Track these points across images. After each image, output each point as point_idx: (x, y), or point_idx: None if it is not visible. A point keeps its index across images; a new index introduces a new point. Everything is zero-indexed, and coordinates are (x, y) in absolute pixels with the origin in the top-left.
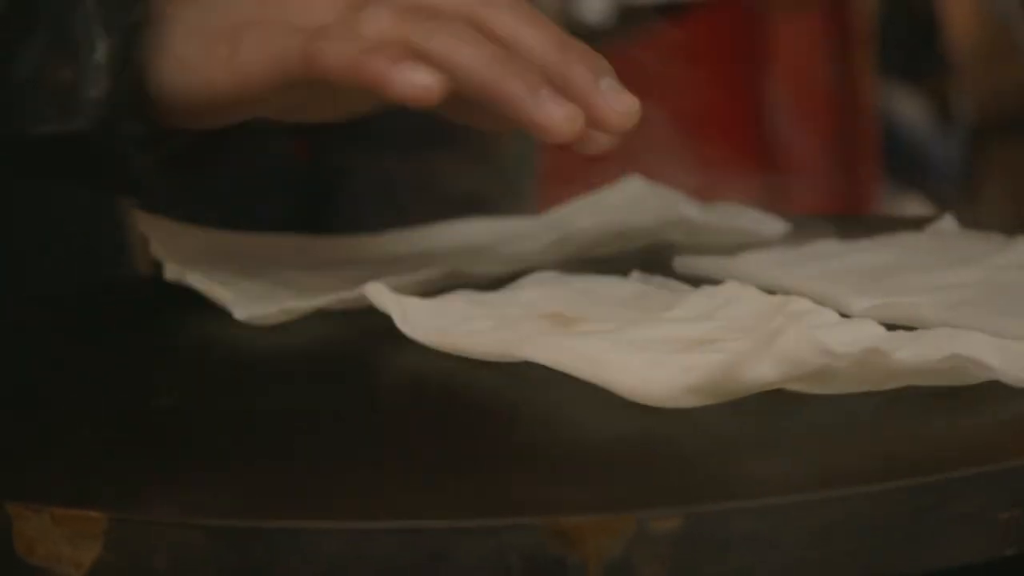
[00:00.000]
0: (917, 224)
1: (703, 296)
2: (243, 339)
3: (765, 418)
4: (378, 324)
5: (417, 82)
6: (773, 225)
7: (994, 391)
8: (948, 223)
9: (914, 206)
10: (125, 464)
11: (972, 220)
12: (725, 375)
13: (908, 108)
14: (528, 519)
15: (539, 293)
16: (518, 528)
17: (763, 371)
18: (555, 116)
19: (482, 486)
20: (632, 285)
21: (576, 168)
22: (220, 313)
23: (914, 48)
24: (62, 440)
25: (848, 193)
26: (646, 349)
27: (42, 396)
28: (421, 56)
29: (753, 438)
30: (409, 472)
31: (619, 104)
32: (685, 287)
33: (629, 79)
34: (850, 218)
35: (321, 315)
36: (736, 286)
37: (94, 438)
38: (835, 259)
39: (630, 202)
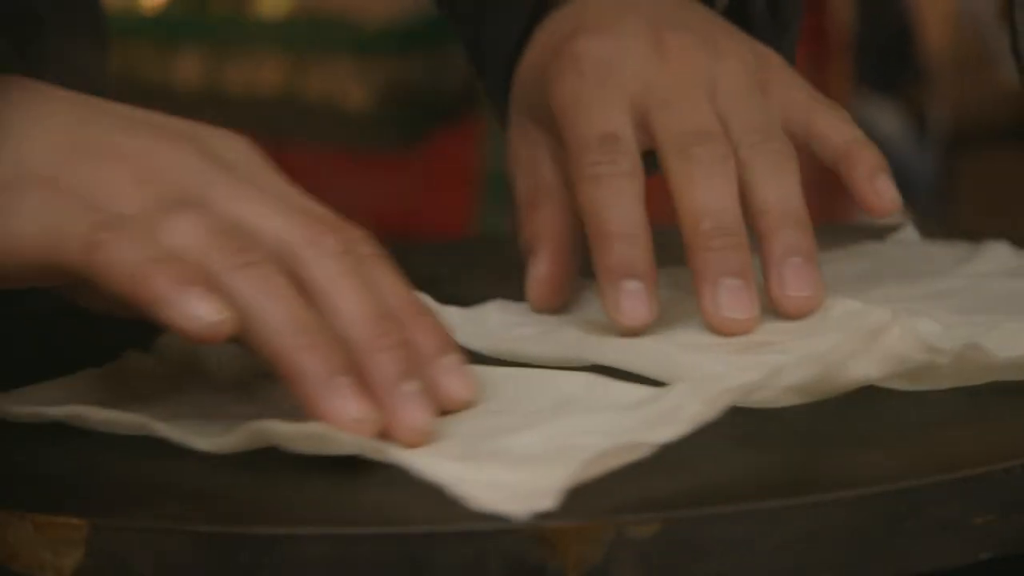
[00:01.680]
0: (879, 233)
1: None
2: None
3: (742, 421)
4: None
5: (201, 315)
6: None
7: None
8: (910, 232)
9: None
10: (107, 472)
11: (948, 229)
12: (829, 373)
13: (884, 118)
14: (508, 525)
15: (572, 299)
16: (499, 534)
17: (867, 368)
18: (342, 413)
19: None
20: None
21: None
22: None
23: (890, 58)
24: (44, 447)
25: (824, 204)
26: (707, 351)
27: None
28: (215, 287)
29: (731, 443)
30: (391, 478)
31: (411, 419)
32: None
33: None
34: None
35: None
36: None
37: (75, 446)
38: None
39: None
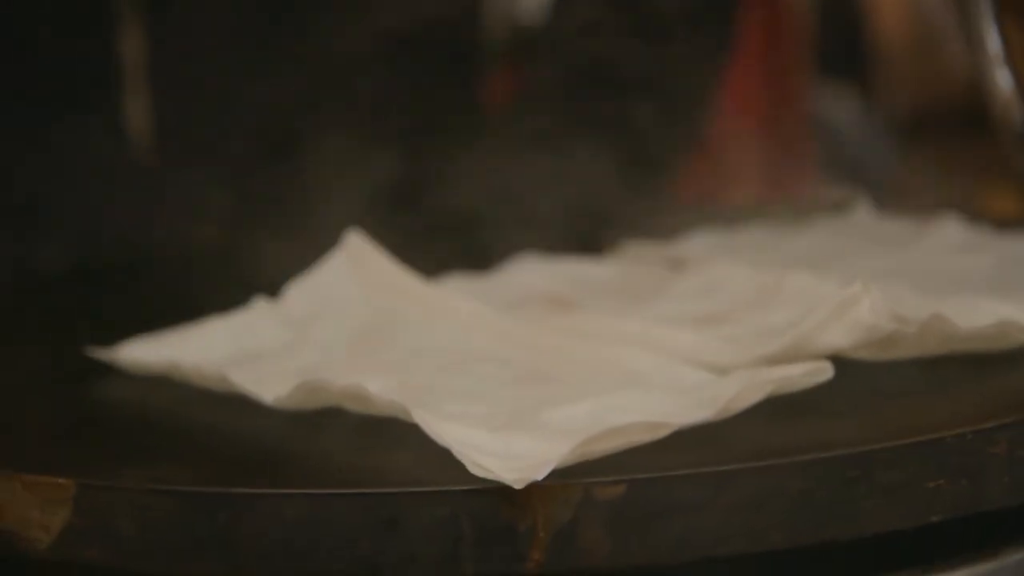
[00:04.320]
0: (834, 210)
1: (693, 276)
2: None
3: None
4: None
5: None
6: None
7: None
8: (863, 208)
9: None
10: (94, 435)
11: (902, 211)
12: (800, 342)
13: (841, 104)
14: (480, 485)
15: (531, 278)
16: (470, 494)
17: (835, 338)
18: None
19: (436, 453)
20: (614, 267)
21: None
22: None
23: (846, 44)
24: (32, 409)
25: (781, 188)
26: (667, 326)
27: (11, 366)
28: None
29: None
30: (366, 440)
31: None
32: (662, 269)
33: None
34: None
35: None
36: (729, 265)
37: (64, 410)
38: (772, 246)
39: None
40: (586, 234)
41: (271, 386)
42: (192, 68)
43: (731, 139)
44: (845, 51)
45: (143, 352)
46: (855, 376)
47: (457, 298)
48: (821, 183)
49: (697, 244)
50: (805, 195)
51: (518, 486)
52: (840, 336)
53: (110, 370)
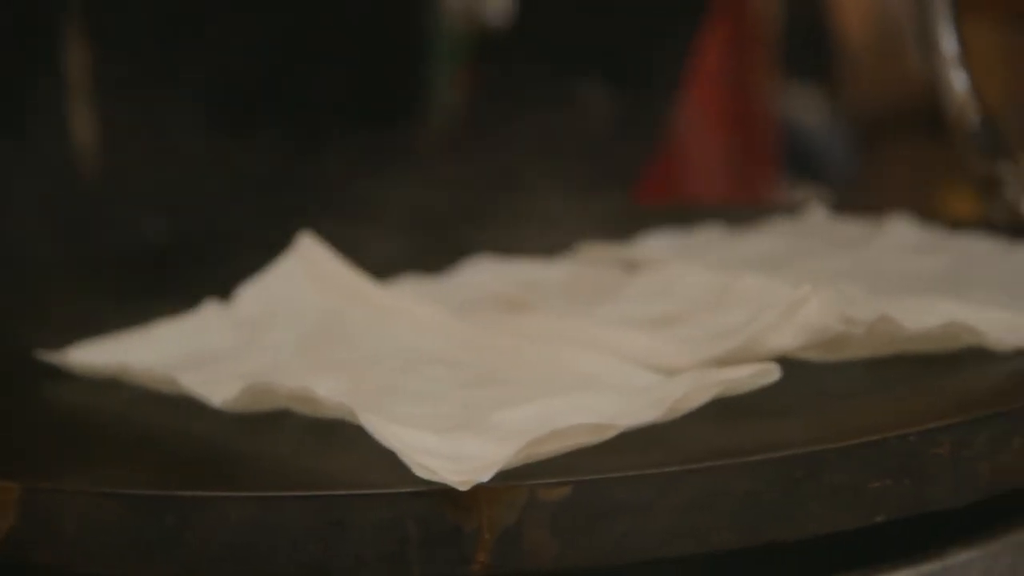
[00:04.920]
0: (789, 212)
1: (646, 277)
2: None
3: None
4: None
5: None
6: None
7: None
8: (818, 210)
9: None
10: (41, 439)
11: (859, 210)
12: (749, 344)
13: (806, 105)
14: (426, 488)
15: (484, 279)
16: (415, 497)
17: (785, 338)
18: None
19: (384, 456)
20: (567, 268)
21: None
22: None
23: (811, 45)
24: None
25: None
26: (622, 327)
27: None
28: None
29: None
30: (314, 442)
31: None
32: (616, 270)
33: None
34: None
35: None
36: (681, 267)
37: (11, 413)
38: (727, 247)
39: None
40: (538, 235)
41: (220, 389)
42: (134, 80)
43: (696, 140)
44: (810, 53)
45: (92, 355)
46: (802, 377)
47: (409, 300)
48: (786, 183)
49: (652, 245)
50: (770, 195)
51: (463, 488)
52: (789, 337)
53: (59, 373)
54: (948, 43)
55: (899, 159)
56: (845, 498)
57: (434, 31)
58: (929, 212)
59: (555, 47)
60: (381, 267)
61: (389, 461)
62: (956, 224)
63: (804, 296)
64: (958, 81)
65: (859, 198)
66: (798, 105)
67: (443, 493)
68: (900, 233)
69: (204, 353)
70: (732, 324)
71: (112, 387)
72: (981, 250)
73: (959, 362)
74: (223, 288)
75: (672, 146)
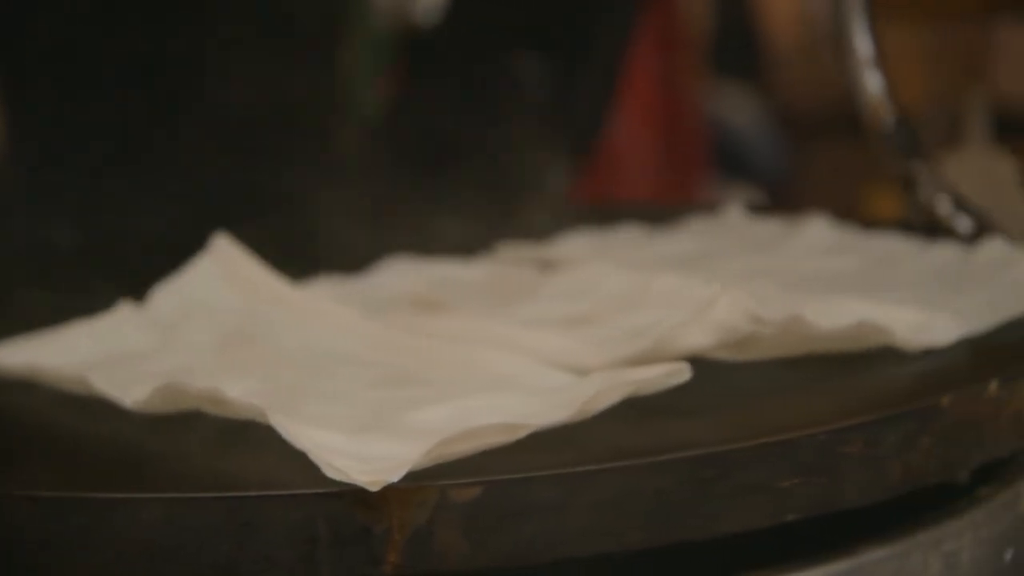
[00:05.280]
0: (707, 212)
1: (564, 277)
2: None
3: None
4: None
5: None
6: None
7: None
8: (735, 209)
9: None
10: None
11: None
12: (660, 344)
13: (736, 105)
14: (336, 488)
15: (401, 280)
16: (325, 498)
17: (696, 338)
18: None
19: (295, 457)
20: (484, 269)
21: None
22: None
23: (741, 44)
24: None
25: (677, 189)
26: (535, 327)
27: None
28: None
29: None
30: (225, 443)
31: None
32: (533, 270)
33: None
34: (649, 205)
35: None
36: (598, 267)
37: None
38: (645, 247)
39: None
40: (461, 235)
41: (132, 389)
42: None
43: (626, 140)
44: (740, 53)
45: (3, 355)
46: (713, 377)
47: (324, 301)
48: (716, 183)
49: (569, 245)
50: (700, 195)
51: (373, 488)
52: (700, 337)
53: None
54: (863, 44)
55: (827, 159)
56: (756, 497)
57: (359, 30)
58: (854, 211)
59: (487, 29)
60: (297, 269)
61: (300, 462)
62: (873, 224)
63: (714, 296)
64: (872, 82)
65: (788, 197)
66: (728, 105)
67: (353, 494)
68: (815, 233)
69: (117, 354)
70: (645, 324)
71: (24, 388)
72: (895, 250)
73: (869, 362)
74: (138, 290)
75: (602, 147)
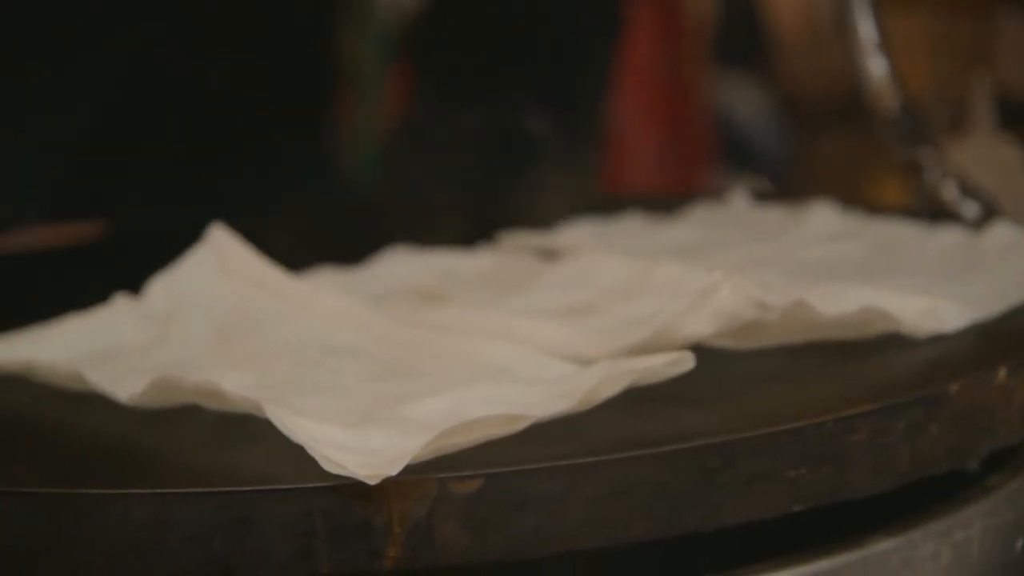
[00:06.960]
0: (711, 199)
1: (566, 266)
2: None
3: None
4: None
5: None
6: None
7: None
8: (739, 197)
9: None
10: None
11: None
12: (663, 332)
13: (739, 93)
14: (334, 482)
15: (402, 270)
16: (323, 491)
17: (699, 326)
18: None
19: (292, 450)
20: (486, 259)
21: None
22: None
23: (746, 34)
24: None
25: (683, 180)
26: (536, 316)
27: None
28: None
29: None
30: (221, 437)
31: None
32: (534, 260)
33: None
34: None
35: None
36: (598, 255)
37: None
38: (647, 236)
39: None
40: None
41: (128, 384)
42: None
43: (631, 131)
44: (745, 42)
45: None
46: (717, 365)
47: (323, 292)
48: (722, 173)
49: (572, 234)
50: (706, 185)
51: (372, 482)
52: (702, 324)
53: None
54: (867, 30)
55: (833, 148)
56: (761, 487)
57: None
58: (859, 199)
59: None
60: (296, 260)
61: (297, 456)
62: (877, 210)
63: (716, 283)
64: (877, 68)
65: (794, 186)
66: (733, 95)
67: (352, 487)
68: (820, 220)
69: (112, 348)
70: (647, 313)
71: (18, 384)
72: (900, 236)
73: (876, 349)
74: (133, 283)
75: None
